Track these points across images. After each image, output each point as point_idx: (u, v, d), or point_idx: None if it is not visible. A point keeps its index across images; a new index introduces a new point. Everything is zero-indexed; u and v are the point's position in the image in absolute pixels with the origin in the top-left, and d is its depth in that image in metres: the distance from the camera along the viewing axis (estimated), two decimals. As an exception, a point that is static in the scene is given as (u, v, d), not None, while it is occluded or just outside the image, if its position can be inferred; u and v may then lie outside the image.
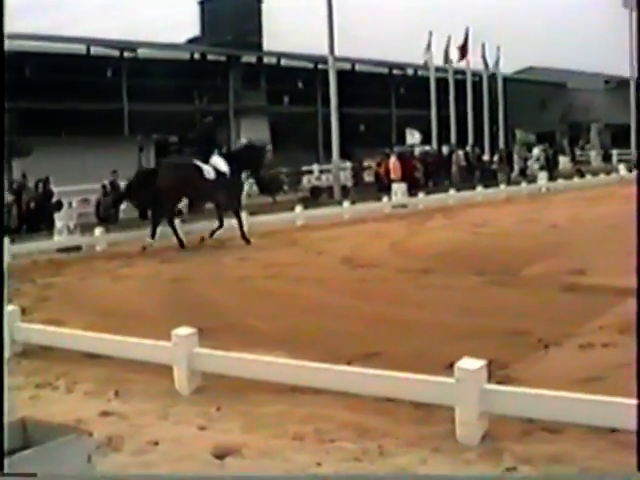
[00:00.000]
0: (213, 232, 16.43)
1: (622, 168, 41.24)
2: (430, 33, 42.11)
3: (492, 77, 48.19)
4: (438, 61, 43.78)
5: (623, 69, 57.82)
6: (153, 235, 16.04)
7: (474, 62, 46.38)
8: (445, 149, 37.75)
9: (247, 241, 16.32)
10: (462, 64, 45.24)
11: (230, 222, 16.77)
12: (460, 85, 44.43)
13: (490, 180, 32.06)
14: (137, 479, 4.94)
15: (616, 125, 58.45)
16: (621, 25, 56.28)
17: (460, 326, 8.06)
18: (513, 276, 11.02)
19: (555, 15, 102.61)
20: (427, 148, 38.06)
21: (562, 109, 59.75)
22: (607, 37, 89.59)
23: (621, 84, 59.89)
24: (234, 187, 16.97)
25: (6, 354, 6.65)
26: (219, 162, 16.45)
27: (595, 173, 38.48)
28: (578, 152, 54.14)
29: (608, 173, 38.51)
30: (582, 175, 36.82)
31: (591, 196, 26.05)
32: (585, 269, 11.16)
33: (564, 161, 46.23)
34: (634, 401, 4.83)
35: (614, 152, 54.98)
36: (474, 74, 46.65)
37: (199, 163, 16.27)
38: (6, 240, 13.86)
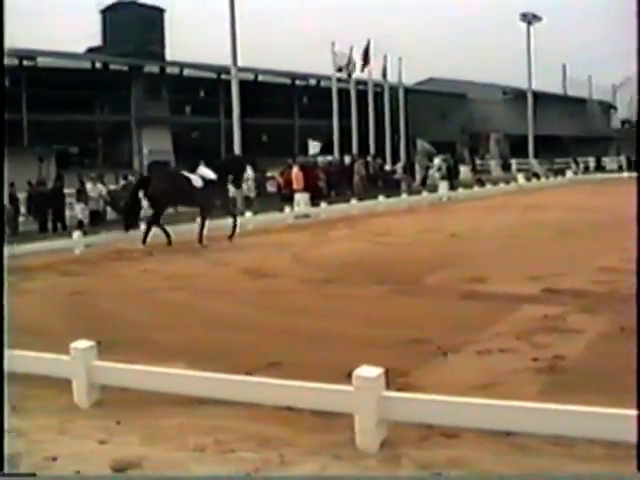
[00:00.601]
0: (200, 234, 17.66)
1: (521, 177, 42.50)
2: (333, 44, 42.58)
3: (393, 88, 48.98)
4: (341, 72, 44.27)
5: (521, 80, 59.60)
6: (144, 240, 17.43)
7: (376, 73, 47.09)
8: (347, 159, 38.16)
9: (230, 238, 18.03)
10: (364, 75, 45.88)
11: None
12: (362, 96, 45.03)
13: (392, 190, 32.51)
14: (138, 479, 4.94)
15: (515, 135, 60.11)
16: (518, 38, 58.03)
17: (362, 335, 8.17)
18: (414, 285, 11.23)
19: (456, 27, 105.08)
20: (329, 158, 38.41)
21: (462, 119, 61.13)
22: (505, 49, 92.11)
23: (519, 95, 61.69)
24: (222, 193, 18.92)
25: None
26: (206, 172, 18.09)
27: (495, 182, 39.49)
28: (478, 162, 55.43)
29: (507, 182, 39.58)
30: (482, 184, 37.73)
31: (491, 205, 26.76)
32: (484, 277, 11.46)
33: (464, 171, 47.31)
34: (527, 404, 5.02)
35: (513, 162, 56.57)
36: (376, 85, 47.33)
37: (186, 173, 17.99)
38: None
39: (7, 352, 6.97)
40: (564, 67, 77.99)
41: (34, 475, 3.52)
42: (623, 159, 65.41)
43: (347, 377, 5.48)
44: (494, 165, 56.06)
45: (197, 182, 17.77)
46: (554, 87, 74.90)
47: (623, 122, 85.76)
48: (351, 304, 10.13)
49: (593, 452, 4.87)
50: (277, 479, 4.98)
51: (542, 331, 8.12)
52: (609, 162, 64.71)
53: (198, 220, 18.01)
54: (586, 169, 58.48)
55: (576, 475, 4.39)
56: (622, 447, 4.62)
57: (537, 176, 47.10)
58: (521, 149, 57.34)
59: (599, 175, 52.47)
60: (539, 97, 60.66)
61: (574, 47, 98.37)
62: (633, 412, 4.46)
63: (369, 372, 5.19)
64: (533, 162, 54.38)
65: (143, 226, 17.88)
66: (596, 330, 8.16)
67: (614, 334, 7.89)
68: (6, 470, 3.52)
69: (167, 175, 20.56)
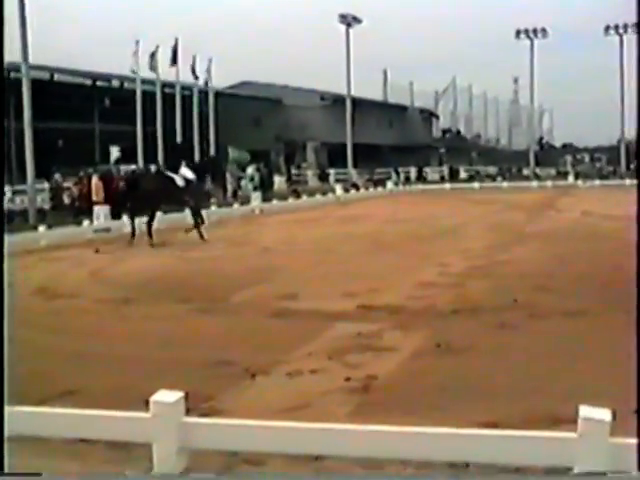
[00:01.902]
0: (198, 228, 21.03)
1: (339, 188, 43.52)
2: (137, 42, 42.17)
3: (203, 92, 48.96)
4: (146, 72, 43.87)
5: (340, 86, 61.00)
6: (133, 234, 20.76)
7: (185, 75, 46.95)
8: (153, 168, 37.75)
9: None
10: (173, 77, 45.63)
11: None
12: (170, 99, 44.74)
13: (202, 201, 32.44)
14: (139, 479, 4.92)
15: (333, 143, 61.37)
16: (337, 40, 59.42)
17: (164, 358, 8.14)
18: (221, 303, 11.28)
19: (269, 28, 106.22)
20: (133, 167, 37.85)
21: (278, 126, 61.72)
22: (323, 52, 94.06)
23: (337, 101, 63.08)
24: (197, 191, 22.31)
25: None
26: (187, 172, 21.36)
27: (312, 193, 40.19)
28: (294, 171, 56.30)
29: (325, 193, 40.41)
30: (298, 196, 38.36)
31: (307, 218, 27.23)
32: (296, 293, 11.68)
33: (280, 181, 47.95)
34: (335, 425, 5.15)
35: (331, 171, 57.77)
36: (185, 88, 47.14)
37: (171, 173, 21.29)
38: None
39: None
40: (385, 72, 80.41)
41: (38, 475, 3.35)
42: (445, 169, 68.35)
43: (145, 404, 5.45)
44: (311, 175, 57.07)
45: (180, 182, 20.98)
46: (374, 93, 77.07)
47: (444, 131, 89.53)
48: (151, 325, 10.05)
49: (404, 473, 5.06)
50: (277, 479, 5.06)
51: (355, 350, 8.36)
52: (431, 172, 67.39)
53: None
54: (407, 180, 60.61)
55: (576, 475, 4.50)
56: (434, 466, 4.84)
57: (356, 187, 48.39)
58: (340, 158, 58.62)
59: (420, 186, 54.53)
60: (358, 103, 62.22)
61: (395, 51, 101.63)
62: (444, 430, 4.66)
63: (167, 397, 5.17)
64: (352, 172, 55.83)
65: None
66: (411, 348, 8.49)
67: (429, 351, 8.25)
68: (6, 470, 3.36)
69: (155, 176, 23.74)
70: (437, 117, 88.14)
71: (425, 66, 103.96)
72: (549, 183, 54.54)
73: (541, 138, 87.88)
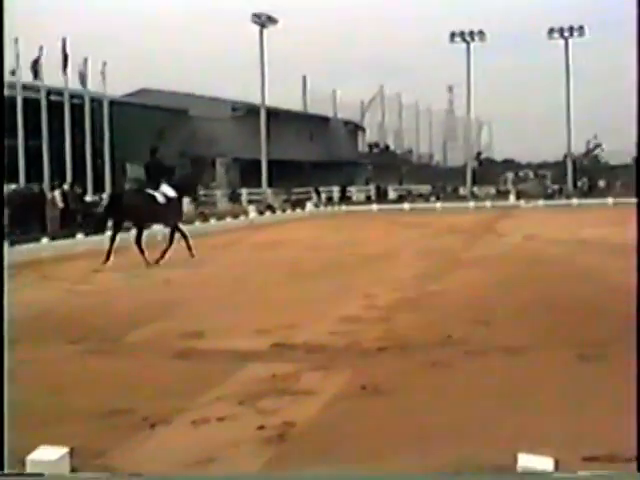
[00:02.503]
0: (164, 252, 22.32)
1: (252, 210, 43.58)
2: (16, 40, 41.74)
3: (96, 100, 48.56)
4: (28, 77, 43.41)
5: (253, 95, 61.16)
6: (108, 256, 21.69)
7: (74, 81, 46.54)
8: (36, 188, 37.33)
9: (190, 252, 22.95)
10: (60, 82, 45.23)
11: None
12: (58, 108, 44.31)
13: (97, 226, 32.14)
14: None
15: (246, 160, 61.41)
16: (251, 43, 59.65)
17: (48, 407, 8.02)
18: (115, 343, 11.17)
19: (172, 30, 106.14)
20: (13, 187, 37.33)
21: (183, 140, 61.42)
22: (234, 57, 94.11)
23: (251, 111, 63.21)
24: (177, 208, 24.08)
25: None
26: (167, 189, 23.03)
27: (221, 216, 40.15)
28: (202, 192, 56.10)
29: (236, 216, 40.43)
30: (206, 219, 38.27)
31: (215, 244, 27.21)
32: (203, 331, 11.63)
33: (185, 202, 47.64)
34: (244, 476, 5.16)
35: (243, 191, 57.78)
36: (75, 96, 46.73)
37: (152, 191, 22.70)
38: None
39: None
40: (304, 79, 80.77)
41: (41, 475, 3.62)
42: (372, 188, 68.94)
43: (21, 464, 5.37)
44: (220, 196, 56.97)
45: (160, 199, 22.69)
46: (292, 103, 77.30)
47: (371, 145, 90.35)
48: (35, 368, 9.89)
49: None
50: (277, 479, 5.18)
51: (270, 394, 8.35)
52: (356, 192, 67.95)
53: (168, 234, 23.20)
54: (329, 200, 60.97)
55: (576, 475, 4.63)
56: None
57: (272, 209, 48.53)
58: (253, 176, 58.71)
59: (344, 207, 54.94)
60: (274, 114, 62.53)
61: (316, 55, 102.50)
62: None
63: (49, 454, 5.11)
64: (267, 192, 56.05)
65: None
66: (333, 390, 8.51)
67: (353, 394, 8.28)
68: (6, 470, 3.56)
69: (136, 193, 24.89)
70: (363, 130, 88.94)
71: (349, 72, 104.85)
72: (488, 203, 55.54)
73: (479, 153, 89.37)
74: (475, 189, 70.40)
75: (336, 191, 64.59)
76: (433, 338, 10.88)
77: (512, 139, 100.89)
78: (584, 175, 73.86)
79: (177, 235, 23.10)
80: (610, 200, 56.67)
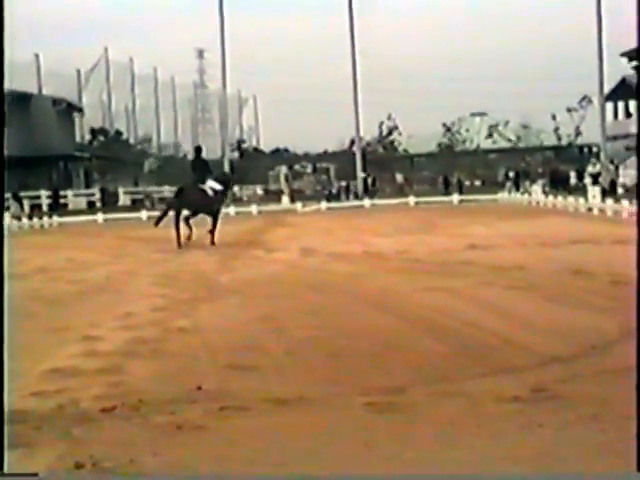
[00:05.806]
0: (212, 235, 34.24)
1: None
2: None
3: None
4: None
5: None
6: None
7: None
8: None
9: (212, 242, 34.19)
10: None
11: None
12: None
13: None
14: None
15: None
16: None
17: None
18: None
19: None
20: None
21: None
22: None
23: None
24: (221, 202, 36.89)
25: None
26: (214, 184, 35.01)
27: None
28: None
29: None
30: None
31: None
32: None
33: None
34: None
35: None
36: None
37: (202, 186, 34.65)
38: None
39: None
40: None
41: (36, 475, 4.63)
42: (97, 192, 68.39)
43: None
44: None
45: (210, 192, 34.72)
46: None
47: (94, 132, 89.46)
48: None
49: None
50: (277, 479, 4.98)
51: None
52: (73, 197, 67.16)
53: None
54: (35, 209, 60.15)
55: (576, 475, 5.31)
56: None
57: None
58: None
59: (56, 218, 54.39)
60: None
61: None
62: None
63: None
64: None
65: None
66: (42, 470, 8.36)
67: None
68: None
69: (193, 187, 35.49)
70: (81, 111, 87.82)
71: (53, 27, 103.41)
72: (254, 208, 56.09)
73: (241, 141, 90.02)
74: (235, 189, 70.87)
75: (45, 197, 63.71)
76: (178, 392, 10.87)
77: (284, 121, 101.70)
78: (376, 167, 75.61)
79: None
80: (412, 199, 58.39)
